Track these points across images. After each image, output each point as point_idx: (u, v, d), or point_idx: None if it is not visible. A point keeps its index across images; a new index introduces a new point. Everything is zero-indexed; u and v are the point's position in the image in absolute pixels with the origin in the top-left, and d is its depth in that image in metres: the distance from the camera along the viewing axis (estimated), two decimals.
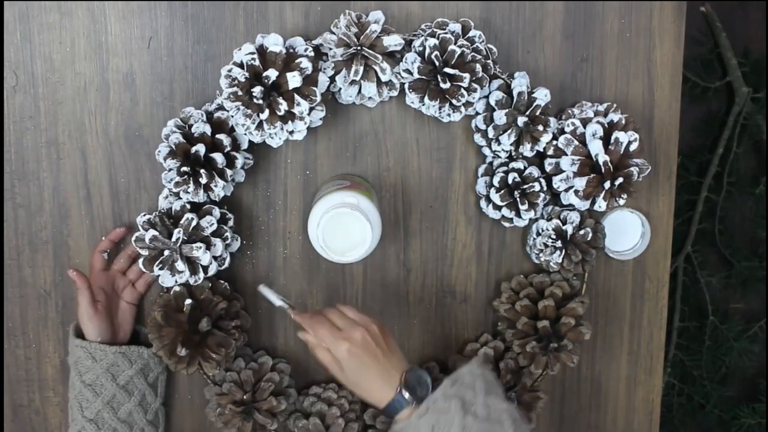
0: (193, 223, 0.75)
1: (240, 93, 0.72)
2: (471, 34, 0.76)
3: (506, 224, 0.83)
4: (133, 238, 0.75)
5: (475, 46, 0.76)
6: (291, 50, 0.73)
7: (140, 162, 0.81)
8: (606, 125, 0.77)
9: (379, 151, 0.83)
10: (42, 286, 0.82)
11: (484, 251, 0.86)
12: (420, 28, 0.78)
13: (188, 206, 0.76)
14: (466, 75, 0.74)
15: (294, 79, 0.71)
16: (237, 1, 0.79)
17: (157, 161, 0.74)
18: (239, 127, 0.74)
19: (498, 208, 0.82)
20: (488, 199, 0.82)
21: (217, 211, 0.77)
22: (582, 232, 0.80)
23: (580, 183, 0.77)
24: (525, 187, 0.80)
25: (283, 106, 0.72)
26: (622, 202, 0.78)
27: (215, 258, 0.77)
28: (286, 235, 0.84)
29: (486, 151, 0.82)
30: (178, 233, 0.74)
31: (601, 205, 0.78)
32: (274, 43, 0.72)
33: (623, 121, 0.78)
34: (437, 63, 0.74)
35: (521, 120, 0.77)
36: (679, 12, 0.83)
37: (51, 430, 0.85)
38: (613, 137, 0.76)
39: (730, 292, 1.59)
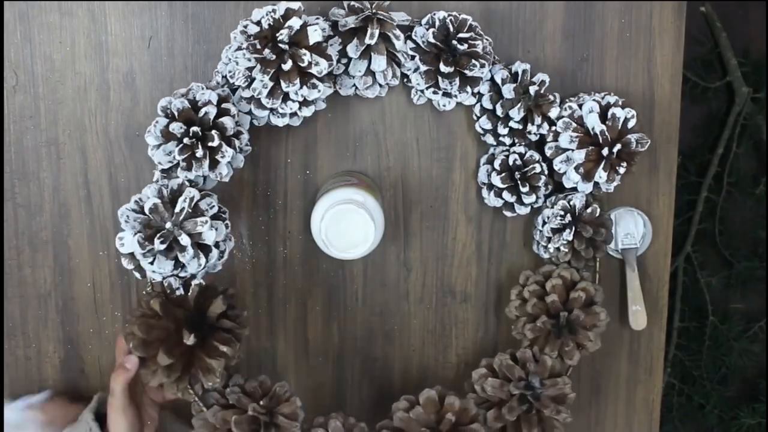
0: (196, 198, 0.66)
1: (259, 46, 0.66)
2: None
3: (508, 213, 0.82)
4: (120, 213, 0.66)
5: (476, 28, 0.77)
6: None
7: (140, 162, 0.81)
8: (602, 103, 0.77)
9: (379, 150, 0.83)
10: (42, 286, 0.82)
11: (485, 251, 0.86)
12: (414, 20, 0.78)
13: (188, 183, 0.68)
14: (478, 42, 0.74)
15: (315, 33, 0.67)
16: (237, 1, 0.79)
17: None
18: (250, 90, 0.69)
19: (499, 193, 0.81)
20: (490, 187, 0.82)
21: (215, 197, 0.71)
22: (589, 210, 0.79)
23: (579, 156, 0.76)
24: (526, 169, 0.80)
25: (307, 57, 0.67)
26: (622, 170, 0.77)
27: (217, 246, 0.69)
28: (286, 235, 0.84)
29: (489, 138, 0.81)
30: (183, 202, 0.65)
31: (601, 176, 0.77)
32: (273, 5, 0.69)
33: (620, 103, 0.78)
34: (452, 29, 0.74)
35: (533, 89, 0.77)
36: (679, 12, 0.83)
37: None
38: (609, 113, 0.76)
39: (730, 292, 1.59)
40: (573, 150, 0.77)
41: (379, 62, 0.74)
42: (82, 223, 0.82)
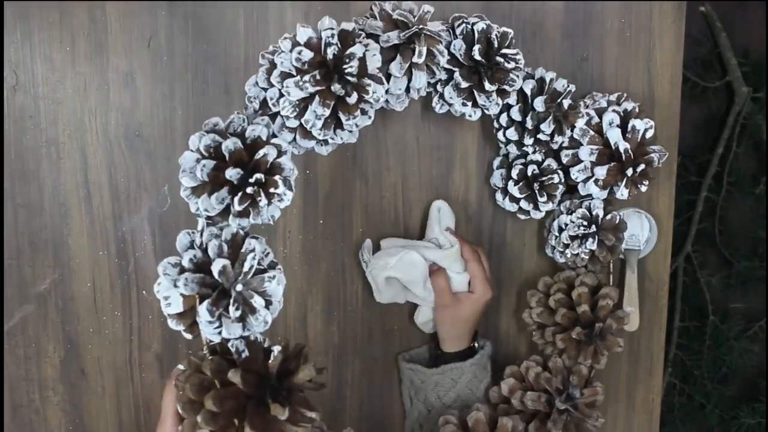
0: (257, 250, 0.60)
1: (319, 77, 0.60)
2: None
3: (522, 216, 0.82)
4: (163, 268, 0.59)
5: None
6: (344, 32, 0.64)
7: (140, 162, 0.81)
8: (622, 113, 0.76)
9: (379, 150, 0.83)
10: (42, 286, 0.82)
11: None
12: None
13: (242, 232, 0.61)
14: (521, 57, 0.72)
15: (374, 59, 0.62)
16: (237, 0, 0.79)
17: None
18: (296, 120, 0.63)
19: (516, 200, 0.81)
20: (505, 192, 0.81)
21: (263, 239, 0.63)
22: (609, 217, 0.79)
23: (601, 172, 0.76)
24: (544, 179, 0.79)
25: (371, 87, 0.62)
26: (644, 188, 0.77)
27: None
28: (286, 234, 0.84)
29: (512, 148, 0.79)
30: (252, 260, 0.59)
31: (623, 193, 0.76)
32: (330, 26, 0.62)
33: (636, 110, 0.77)
34: (496, 45, 0.71)
35: (565, 102, 0.75)
36: (679, 12, 0.83)
37: (51, 430, 0.85)
38: (629, 125, 0.76)
39: (730, 292, 1.59)
40: (593, 162, 0.76)
41: (420, 79, 0.69)
42: (82, 223, 0.82)
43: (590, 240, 0.78)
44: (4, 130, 0.79)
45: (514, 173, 0.80)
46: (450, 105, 0.74)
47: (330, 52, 0.61)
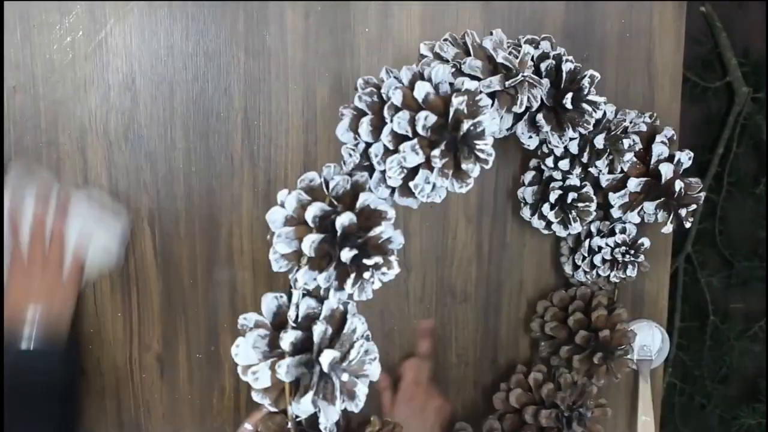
0: (359, 331, 0.59)
1: (443, 147, 0.55)
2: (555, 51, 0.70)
3: (545, 231, 0.82)
4: (284, 368, 0.56)
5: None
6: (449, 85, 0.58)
7: (140, 162, 0.81)
8: (667, 143, 0.77)
9: None
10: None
11: (484, 251, 0.86)
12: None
13: (342, 308, 0.60)
14: (602, 104, 0.69)
15: (494, 123, 0.57)
16: (237, 0, 0.79)
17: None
18: (397, 179, 0.57)
19: (546, 220, 0.80)
20: (535, 208, 0.81)
21: (359, 316, 0.61)
22: (640, 241, 0.81)
23: (650, 207, 0.76)
24: (581, 205, 0.79)
25: (484, 154, 0.57)
26: (688, 225, 0.77)
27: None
28: None
29: (556, 173, 0.79)
30: (360, 348, 0.57)
31: (668, 228, 0.77)
32: (457, 88, 0.57)
33: (675, 138, 0.78)
34: (585, 91, 0.68)
35: (627, 142, 0.74)
36: (679, 12, 0.83)
37: None
38: (675, 158, 0.76)
39: (730, 292, 1.59)
40: (638, 193, 0.76)
41: (508, 122, 0.67)
42: None
43: (630, 267, 0.80)
44: (4, 131, 0.79)
45: (552, 197, 0.79)
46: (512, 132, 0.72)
47: (462, 129, 0.56)
